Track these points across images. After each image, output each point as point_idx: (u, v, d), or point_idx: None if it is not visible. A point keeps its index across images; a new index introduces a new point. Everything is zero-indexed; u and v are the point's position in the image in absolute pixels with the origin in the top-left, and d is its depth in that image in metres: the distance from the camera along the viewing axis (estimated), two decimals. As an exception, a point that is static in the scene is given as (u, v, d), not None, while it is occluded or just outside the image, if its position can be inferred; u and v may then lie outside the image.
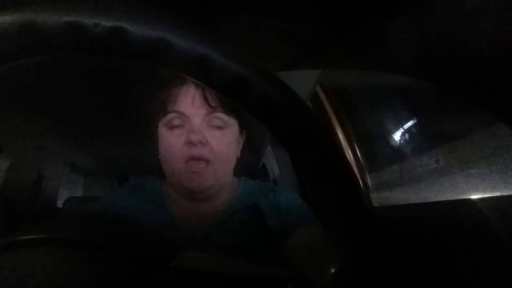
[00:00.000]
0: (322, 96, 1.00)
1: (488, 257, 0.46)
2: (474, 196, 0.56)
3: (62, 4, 0.20)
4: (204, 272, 0.27)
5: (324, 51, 0.66)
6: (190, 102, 0.55)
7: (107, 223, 0.38)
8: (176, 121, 0.55)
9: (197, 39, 0.21)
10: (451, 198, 0.62)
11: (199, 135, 0.53)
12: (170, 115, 0.55)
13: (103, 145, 1.40)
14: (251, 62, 0.22)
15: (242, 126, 0.61)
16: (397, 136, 0.83)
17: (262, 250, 0.54)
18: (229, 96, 0.23)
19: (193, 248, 0.29)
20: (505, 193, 0.50)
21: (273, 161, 1.44)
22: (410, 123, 0.79)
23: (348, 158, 0.87)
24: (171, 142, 0.55)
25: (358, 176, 0.94)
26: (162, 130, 0.57)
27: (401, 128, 0.81)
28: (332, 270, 0.25)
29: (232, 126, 0.58)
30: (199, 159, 0.54)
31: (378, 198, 0.91)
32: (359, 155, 0.96)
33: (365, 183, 0.94)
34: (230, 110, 0.56)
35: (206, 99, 0.54)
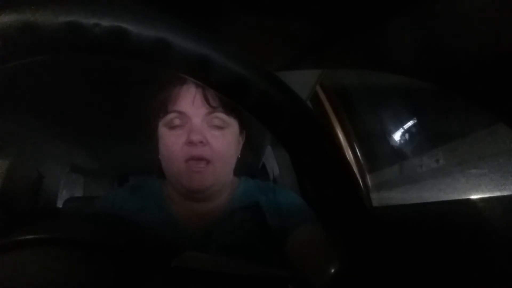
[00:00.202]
0: (322, 96, 1.00)
1: (488, 257, 0.46)
2: (474, 196, 0.56)
3: (62, 4, 0.20)
4: (204, 272, 0.27)
5: (324, 51, 0.66)
6: (190, 102, 0.55)
7: (107, 223, 0.38)
8: (177, 121, 0.55)
9: (197, 39, 0.21)
10: (451, 198, 0.62)
11: (200, 134, 0.53)
12: (171, 115, 0.55)
13: (103, 145, 1.40)
14: (251, 62, 0.22)
15: (242, 126, 0.61)
16: (397, 136, 0.83)
17: (262, 249, 0.54)
18: (229, 96, 0.23)
19: (193, 248, 0.29)
20: (505, 193, 0.50)
21: (273, 161, 1.44)
22: (410, 123, 0.79)
23: (348, 158, 0.87)
24: (171, 142, 0.55)
25: (358, 176, 0.94)
26: (162, 130, 0.57)
27: (401, 128, 0.81)
28: (332, 270, 0.25)
29: (232, 126, 0.58)
30: (199, 159, 0.54)
31: (378, 198, 0.91)
32: (359, 155, 0.96)
33: (365, 183, 0.94)
34: (230, 110, 0.56)
35: (206, 99, 0.54)
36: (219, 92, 0.23)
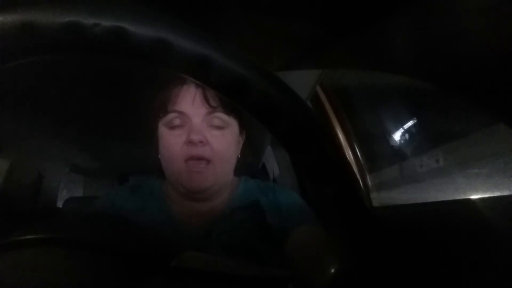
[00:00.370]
0: (322, 96, 1.00)
1: (488, 257, 0.46)
2: (474, 196, 0.56)
3: (62, 4, 0.20)
4: (204, 272, 0.27)
5: (324, 51, 0.66)
6: (190, 102, 0.55)
7: (107, 223, 0.38)
8: (177, 121, 0.55)
9: (197, 39, 0.21)
10: (451, 198, 0.62)
11: (199, 134, 0.53)
12: (171, 115, 0.55)
13: (103, 145, 1.40)
14: (251, 62, 0.22)
15: (242, 126, 0.61)
16: (397, 136, 0.83)
17: (262, 249, 0.54)
18: (229, 96, 0.23)
19: (193, 247, 0.29)
20: (505, 193, 0.50)
21: (273, 161, 1.44)
22: (410, 123, 0.79)
23: (348, 158, 0.87)
24: (171, 141, 0.55)
25: (358, 176, 0.94)
26: (162, 130, 0.57)
27: (401, 128, 0.81)
28: (332, 270, 0.25)
29: (232, 126, 0.58)
30: (199, 158, 0.54)
31: (378, 198, 0.91)
32: (359, 155, 0.96)
33: (365, 183, 0.94)
34: (230, 110, 0.56)
35: (206, 99, 0.54)
36: (219, 92, 0.23)
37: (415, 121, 0.77)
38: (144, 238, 0.33)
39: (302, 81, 0.89)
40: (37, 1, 0.20)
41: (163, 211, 0.58)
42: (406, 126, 0.80)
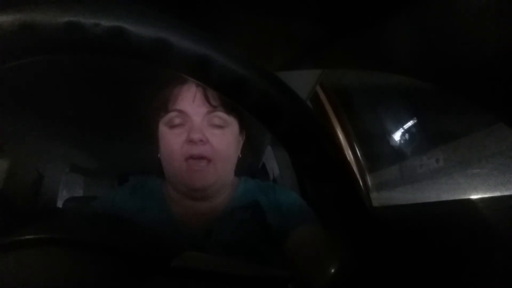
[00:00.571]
0: (322, 96, 1.00)
1: (488, 257, 0.46)
2: (474, 196, 0.56)
3: (62, 4, 0.20)
4: (204, 272, 0.27)
5: (324, 51, 0.66)
6: (191, 101, 0.55)
7: (107, 223, 0.38)
8: (177, 120, 0.55)
9: (197, 39, 0.21)
10: (451, 198, 0.62)
11: (200, 133, 0.53)
12: (171, 114, 0.55)
13: (103, 145, 1.40)
14: (251, 62, 0.22)
15: (242, 126, 0.61)
16: (397, 136, 0.83)
17: (262, 249, 0.54)
18: (229, 96, 0.23)
19: (193, 247, 0.29)
20: (505, 193, 0.50)
21: (273, 161, 1.44)
22: (410, 123, 0.79)
23: (348, 158, 0.87)
24: (172, 140, 0.55)
25: (358, 176, 0.94)
26: (163, 129, 0.57)
27: (401, 128, 0.81)
28: (332, 270, 0.25)
29: (232, 125, 0.58)
30: (200, 157, 0.54)
31: (378, 198, 0.91)
32: (359, 155, 0.96)
33: (365, 183, 0.94)
34: (230, 109, 0.56)
35: (206, 98, 0.55)
36: (219, 92, 0.23)
37: (415, 121, 0.77)
38: (144, 238, 0.33)
39: (302, 81, 0.89)
40: (37, 1, 0.20)
41: (163, 211, 0.58)
42: (406, 126, 0.80)
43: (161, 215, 0.57)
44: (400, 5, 0.44)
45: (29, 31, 0.20)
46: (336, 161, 0.24)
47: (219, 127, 0.56)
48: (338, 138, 0.96)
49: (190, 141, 0.53)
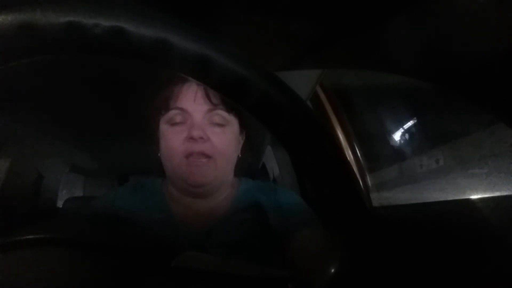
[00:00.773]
0: (322, 96, 1.00)
1: (488, 257, 0.46)
2: (474, 196, 0.56)
3: (62, 4, 0.20)
4: (204, 272, 0.27)
5: (324, 51, 0.66)
6: (191, 99, 0.55)
7: (107, 223, 0.38)
8: (178, 118, 0.55)
9: (197, 39, 0.21)
10: (451, 198, 0.62)
11: (200, 130, 0.53)
12: (172, 112, 0.56)
13: (103, 145, 1.40)
14: (251, 62, 0.22)
15: (243, 126, 0.61)
16: (397, 136, 0.83)
17: (263, 249, 0.54)
18: (229, 96, 0.23)
19: (193, 247, 0.29)
20: (505, 193, 0.50)
21: (273, 161, 1.44)
22: (410, 123, 0.79)
23: (348, 158, 0.86)
24: (173, 138, 0.55)
25: (358, 176, 0.94)
26: (164, 127, 0.57)
27: (401, 128, 0.81)
28: (332, 270, 0.25)
29: (233, 124, 0.58)
30: (200, 154, 0.54)
31: (378, 198, 0.91)
32: (359, 155, 0.96)
33: (365, 183, 0.94)
34: (231, 108, 0.56)
35: (207, 96, 0.55)
36: (219, 92, 0.23)
37: (415, 121, 0.77)
38: (144, 238, 0.33)
39: (302, 81, 0.89)
40: (37, 1, 0.20)
41: (163, 211, 0.58)
42: (406, 126, 0.80)
43: (161, 215, 0.57)
44: (400, 5, 0.44)
45: (29, 31, 0.20)
46: (336, 161, 0.24)
47: (220, 125, 0.56)
48: (338, 138, 0.96)
49: (191, 138, 0.53)
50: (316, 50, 0.66)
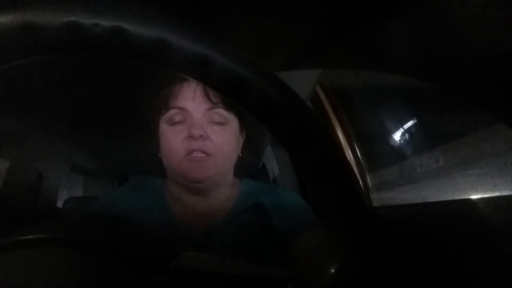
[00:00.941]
0: (322, 96, 1.00)
1: (488, 257, 0.46)
2: (474, 196, 0.56)
3: (62, 4, 0.20)
4: (204, 272, 0.27)
5: (324, 51, 0.66)
6: (191, 98, 0.55)
7: (107, 223, 0.38)
8: (178, 117, 0.56)
9: (197, 39, 0.21)
10: (451, 198, 0.62)
11: (200, 129, 0.54)
12: (172, 111, 0.56)
13: (103, 145, 1.40)
14: (251, 62, 0.22)
15: (242, 125, 0.61)
16: (397, 136, 0.83)
17: (264, 250, 0.54)
18: (229, 96, 0.23)
19: (195, 248, 0.29)
20: (505, 193, 0.50)
21: (273, 161, 1.44)
22: (410, 123, 0.79)
23: (348, 158, 0.86)
24: (173, 137, 0.55)
25: (358, 176, 0.94)
26: (164, 127, 0.57)
27: (401, 128, 0.81)
28: (332, 270, 0.25)
29: (233, 122, 0.58)
30: (200, 152, 0.54)
31: (378, 198, 0.91)
32: (359, 155, 0.96)
33: (365, 183, 0.94)
34: (230, 106, 0.56)
35: (207, 95, 0.55)
36: (219, 92, 0.23)
37: (415, 121, 0.77)
38: (144, 238, 0.33)
39: (302, 81, 0.89)
40: (37, 1, 0.20)
41: (164, 211, 0.58)
42: (406, 126, 0.79)
43: (162, 215, 0.57)
44: (400, 5, 0.44)
45: (29, 31, 0.20)
46: (336, 161, 0.24)
47: (220, 124, 0.56)
48: (338, 138, 0.96)
49: (191, 137, 0.53)
50: (316, 50, 0.66)
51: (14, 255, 0.27)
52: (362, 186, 0.92)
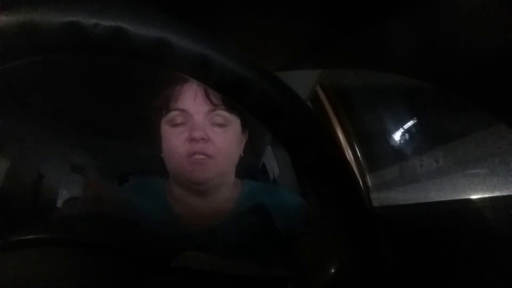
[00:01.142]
0: (322, 96, 1.00)
1: (488, 257, 0.46)
2: (474, 196, 0.56)
3: (62, 4, 0.20)
4: (204, 272, 0.27)
5: (324, 51, 0.66)
6: (192, 100, 0.55)
7: (107, 223, 0.38)
8: (179, 119, 0.56)
9: (197, 39, 0.21)
10: (451, 198, 0.62)
11: (201, 131, 0.54)
12: (173, 113, 0.56)
13: (103, 145, 1.40)
14: (251, 62, 0.22)
15: (244, 126, 0.61)
16: (397, 136, 0.83)
17: (266, 250, 0.54)
18: (229, 96, 0.23)
19: (196, 248, 0.29)
20: (505, 193, 0.50)
21: (273, 161, 1.43)
22: (410, 123, 0.79)
23: (348, 158, 0.86)
24: (174, 139, 0.56)
25: (358, 176, 0.94)
26: (165, 128, 0.57)
27: (401, 128, 0.81)
28: (332, 270, 0.25)
29: (234, 124, 0.58)
30: (202, 154, 0.54)
31: (378, 198, 0.91)
32: (359, 155, 0.96)
33: (365, 183, 0.94)
34: (232, 108, 0.56)
35: (208, 97, 0.55)
36: (219, 92, 0.23)
37: (415, 121, 0.77)
38: (145, 238, 0.33)
39: (302, 81, 0.89)
40: (37, 1, 0.20)
41: (166, 211, 0.58)
42: (406, 126, 0.79)
43: (163, 215, 0.58)
44: (400, 5, 0.44)
45: (29, 31, 0.19)
46: (336, 161, 0.24)
47: (221, 125, 0.56)
48: (338, 138, 0.96)
49: (192, 140, 0.54)
50: (316, 50, 0.66)
51: (14, 255, 0.27)
52: (362, 186, 0.92)
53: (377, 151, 0.95)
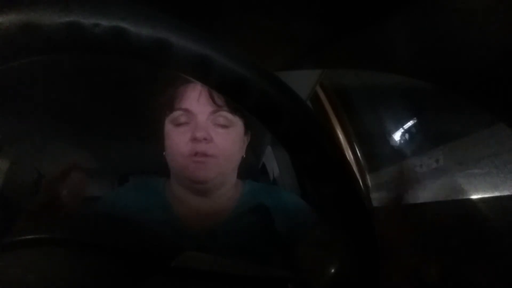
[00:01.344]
0: (322, 96, 1.00)
1: (488, 257, 0.46)
2: (474, 196, 0.56)
3: (62, 4, 0.20)
4: (204, 272, 0.27)
5: (324, 51, 0.66)
6: (196, 100, 0.55)
7: (108, 223, 0.38)
8: (182, 119, 0.56)
9: (197, 39, 0.21)
10: (451, 198, 0.62)
11: (204, 131, 0.54)
12: (176, 113, 0.56)
13: (103, 145, 1.40)
14: (251, 62, 0.22)
15: (247, 128, 0.61)
16: (397, 136, 0.83)
17: (266, 251, 0.54)
18: (229, 96, 0.23)
19: (196, 248, 0.29)
20: (505, 193, 0.50)
21: (273, 161, 1.43)
22: (410, 123, 0.79)
23: (348, 158, 0.86)
24: (177, 138, 0.56)
25: (358, 176, 0.94)
26: (168, 127, 0.58)
27: (401, 128, 0.81)
28: (332, 270, 0.25)
29: (237, 125, 0.58)
30: (204, 154, 0.54)
31: (378, 198, 0.91)
32: (359, 155, 0.96)
33: (365, 183, 0.94)
34: (235, 110, 0.56)
35: (211, 97, 0.55)
36: (220, 92, 0.23)
37: (415, 121, 0.77)
38: (145, 238, 0.33)
39: (302, 81, 0.89)
40: (37, 1, 0.20)
41: (166, 211, 0.58)
42: (406, 126, 0.79)
43: (164, 215, 0.58)
44: (400, 5, 0.44)
45: (29, 31, 0.20)
46: (336, 161, 0.24)
47: (224, 126, 0.56)
48: (338, 138, 0.96)
49: (195, 139, 0.54)
50: (316, 50, 0.66)
51: (14, 255, 0.27)
52: (362, 186, 0.92)
53: (377, 151, 0.95)
